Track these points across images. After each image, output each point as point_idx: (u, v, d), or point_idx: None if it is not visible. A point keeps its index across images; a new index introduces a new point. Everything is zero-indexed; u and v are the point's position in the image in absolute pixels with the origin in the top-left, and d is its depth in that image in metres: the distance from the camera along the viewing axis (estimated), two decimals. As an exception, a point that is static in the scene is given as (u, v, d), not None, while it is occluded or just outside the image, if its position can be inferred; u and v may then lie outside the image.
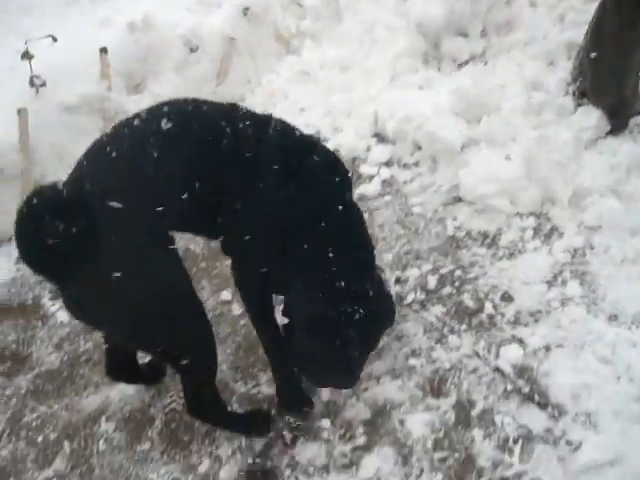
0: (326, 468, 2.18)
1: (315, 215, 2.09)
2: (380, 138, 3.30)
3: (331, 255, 2.07)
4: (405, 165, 3.15)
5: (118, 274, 1.84)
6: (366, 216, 2.90)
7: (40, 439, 2.43)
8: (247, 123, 2.11)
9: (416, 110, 3.01)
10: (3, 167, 3.03)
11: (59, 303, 2.88)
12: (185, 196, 2.01)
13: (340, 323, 2.05)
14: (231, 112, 2.16)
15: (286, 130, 2.20)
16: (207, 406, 2.23)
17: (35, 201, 1.81)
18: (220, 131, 2.07)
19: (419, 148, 3.11)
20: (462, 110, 3.02)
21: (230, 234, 2.17)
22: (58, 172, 3.25)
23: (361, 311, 2.07)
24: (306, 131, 3.36)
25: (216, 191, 2.07)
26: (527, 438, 2.13)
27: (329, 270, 2.07)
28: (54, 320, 2.83)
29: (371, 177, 3.12)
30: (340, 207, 2.14)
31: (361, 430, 2.25)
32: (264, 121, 2.17)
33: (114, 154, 1.96)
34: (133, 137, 2.03)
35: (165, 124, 2.01)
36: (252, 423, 2.32)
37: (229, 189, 2.07)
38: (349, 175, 2.29)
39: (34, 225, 1.78)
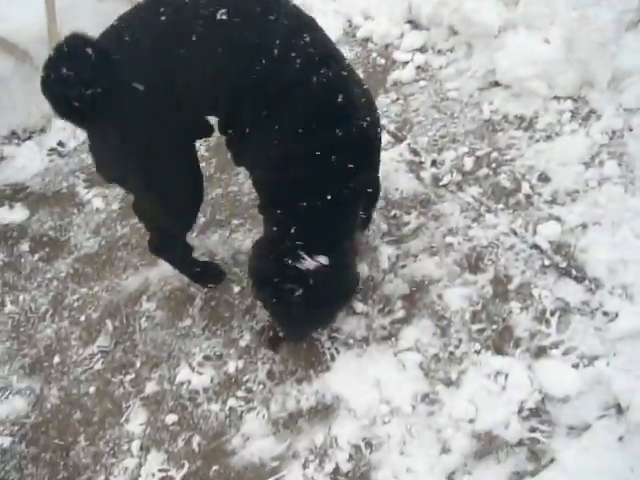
0: (366, 340, 2.24)
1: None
2: (414, 25, 3.20)
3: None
4: (439, 51, 3.07)
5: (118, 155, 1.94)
6: (400, 102, 2.93)
7: (83, 318, 2.51)
8: (302, 52, 1.84)
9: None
10: (32, 56, 2.97)
11: (94, 190, 2.91)
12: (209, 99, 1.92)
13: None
14: (297, 31, 1.87)
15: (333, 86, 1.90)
16: (169, 246, 2.35)
17: (65, 49, 1.78)
18: (269, 47, 1.83)
19: (454, 33, 3.02)
20: (500, -9, 2.92)
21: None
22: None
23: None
24: (336, 19, 3.35)
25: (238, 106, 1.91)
26: (564, 310, 2.17)
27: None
28: (90, 207, 2.86)
29: (405, 63, 3.06)
30: None
31: (399, 304, 2.30)
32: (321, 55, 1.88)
33: (155, 26, 1.84)
34: (178, 16, 1.85)
35: (220, 15, 1.81)
36: (207, 272, 2.46)
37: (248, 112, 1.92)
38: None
39: (57, 70, 1.76)
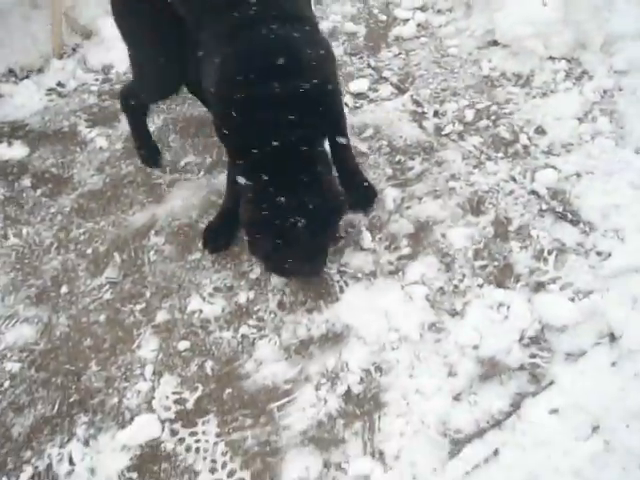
0: (373, 274, 2.34)
1: None
2: (414, -17, 3.32)
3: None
4: (439, 11, 3.20)
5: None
6: (402, 57, 3.03)
7: (89, 251, 2.53)
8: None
9: (453, -49, 3.03)
10: (35, -7, 2.96)
11: (97, 130, 2.92)
12: None
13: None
14: None
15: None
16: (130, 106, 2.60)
17: None
18: None
19: (454, -7, 3.15)
20: (499, -47, 3.04)
21: None
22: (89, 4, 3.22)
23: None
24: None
25: None
26: (560, 250, 2.32)
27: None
28: (93, 145, 2.87)
29: (406, 20, 3.18)
30: None
31: (405, 242, 2.40)
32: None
33: None
34: None
35: None
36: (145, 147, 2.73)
37: None
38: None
39: None
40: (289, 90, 1.99)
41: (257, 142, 2.05)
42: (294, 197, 2.06)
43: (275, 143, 2.03)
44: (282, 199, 2.06)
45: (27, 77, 3.13)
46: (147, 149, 2.72)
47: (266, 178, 2.07)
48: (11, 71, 3.14)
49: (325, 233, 2.22)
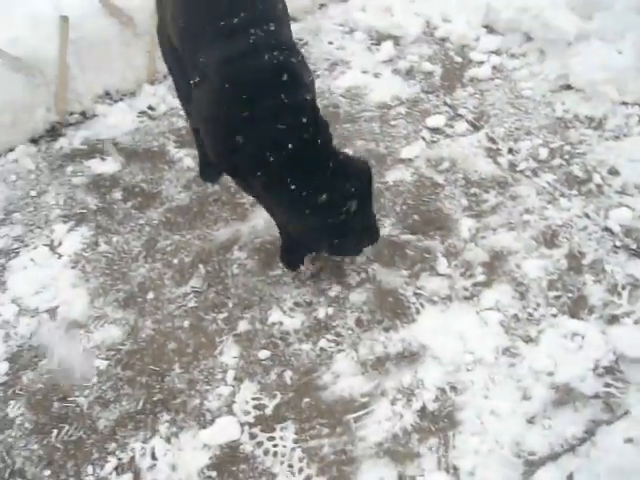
0: (449, 298, 2.42)
1: None
2: (489, 29, 3.48)
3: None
4: (513, 55, 3.34)
5: None
6: (477, 96, 3.17)
7: (175, 262, 2.66)
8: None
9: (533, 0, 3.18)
10: (136, 23, 3.19)
11: (185, 150, 3.09)
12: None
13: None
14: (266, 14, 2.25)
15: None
16: None
17: None
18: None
19: (529, 39, 3.30)
20: (577, 4, 3.17)
21: None
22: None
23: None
24: (414, 20, 3.59)
25: None
26: (634, 285, 2.39)
27: None
28: (180, 165, 3.02)
29: (481, 63, 3.32)
30: None
31: (480, 270, 2.49)
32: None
33: None
34: None
35: None
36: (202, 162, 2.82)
37: None
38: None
39: None
40: (297, 100, 2.18)
41: (275, 150, 2.18)
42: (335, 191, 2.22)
43: (291, 146, 2.17)
44: (324, 197, 2.21)
45: (121, 100, 3.34)
46: (203, 164, 2.86)
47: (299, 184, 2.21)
48: (107, 94, 3.35)
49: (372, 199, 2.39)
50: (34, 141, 3.24)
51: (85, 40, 3.16)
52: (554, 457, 2.00)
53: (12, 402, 2.27)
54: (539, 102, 3.09)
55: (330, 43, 3.64)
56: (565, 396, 2.12)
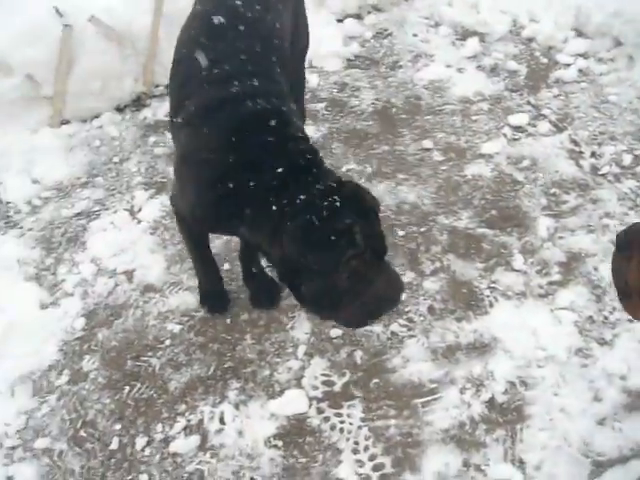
0: (523, 294, 2.43)
1: None
2: (578, 32, 3.45)
3: None
4: (601, 59, 3.32)
5: None
6: (562, 98, 3.15)
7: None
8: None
9: (628, 5, 3.14)
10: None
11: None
12: None
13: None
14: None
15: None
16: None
17: None
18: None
19: (618, 44, 3.27)
20: (672, 12, 3.14)
21: None
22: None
23: None
24: (501, 18, 3.58)
25: None
26: None
27: None
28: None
29: (567, 65, 3.31)
30: None
31: (556, 269, 2.49)
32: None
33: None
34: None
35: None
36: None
37: None
38: None
39: None
40: (287, 138, 1.99)
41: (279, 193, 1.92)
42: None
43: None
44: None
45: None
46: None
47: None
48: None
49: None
50: (119, 109, 3.36)
51: (177, 14, 3.24)
52: (623, 460, 1.99)
53: (87, 357, 2.36)
54: (625, 108, 3.06)
55: (415, 35, 3.66)
56: (637, 401, 2.10)
